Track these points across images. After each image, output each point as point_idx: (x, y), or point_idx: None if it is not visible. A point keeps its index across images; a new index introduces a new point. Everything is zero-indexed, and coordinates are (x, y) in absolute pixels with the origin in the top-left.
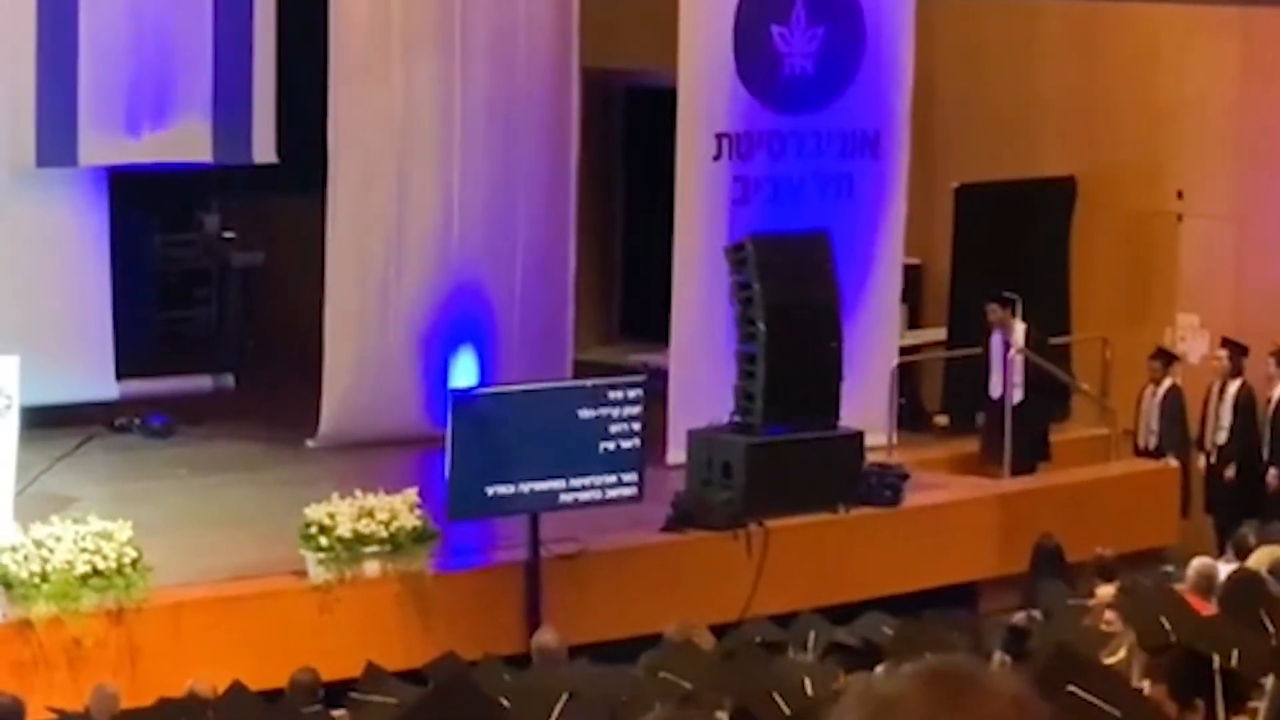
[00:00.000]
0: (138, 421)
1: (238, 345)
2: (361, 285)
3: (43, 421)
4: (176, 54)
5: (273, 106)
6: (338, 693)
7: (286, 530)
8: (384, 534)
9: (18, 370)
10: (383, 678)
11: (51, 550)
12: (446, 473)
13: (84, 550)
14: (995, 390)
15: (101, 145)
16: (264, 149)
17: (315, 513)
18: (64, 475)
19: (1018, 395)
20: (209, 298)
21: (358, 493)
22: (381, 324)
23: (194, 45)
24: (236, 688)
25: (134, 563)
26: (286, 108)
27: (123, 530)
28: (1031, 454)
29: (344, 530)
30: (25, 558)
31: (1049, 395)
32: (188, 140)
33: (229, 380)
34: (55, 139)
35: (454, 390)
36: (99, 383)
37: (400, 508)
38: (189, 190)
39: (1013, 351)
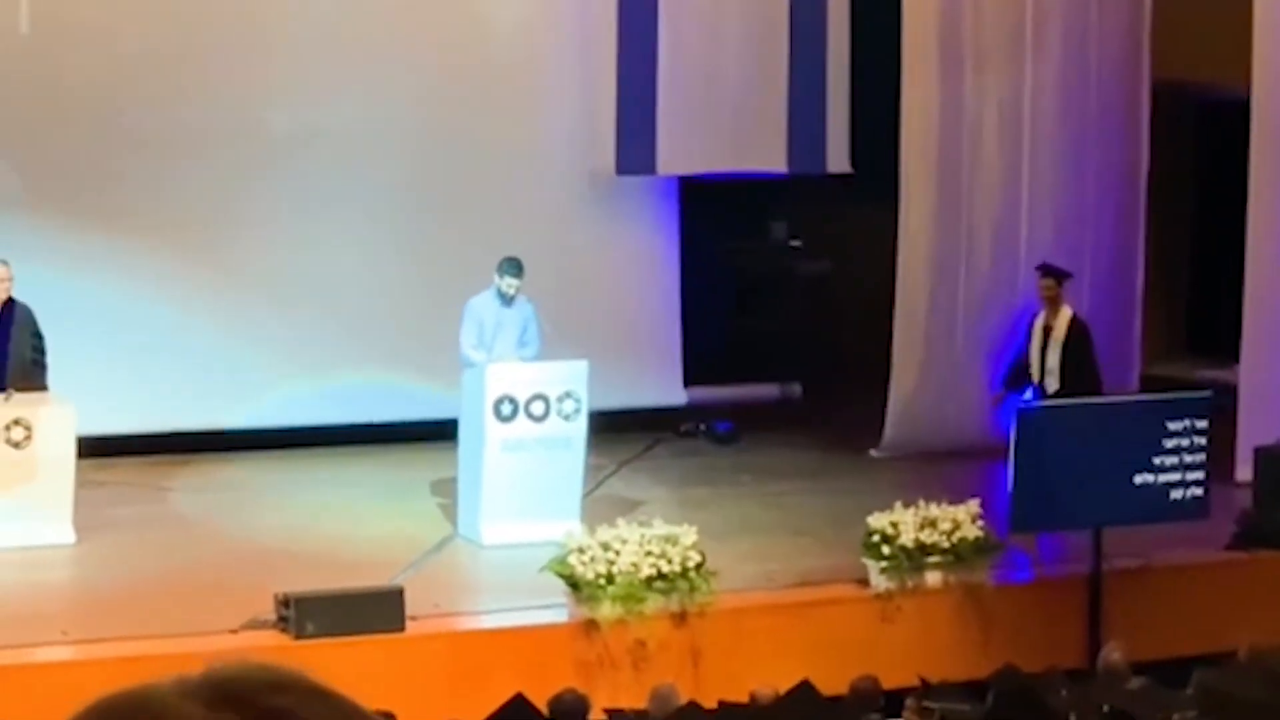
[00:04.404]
0: (703, 427)
1: (805, 354)
2: (932, 294)
3: (610, 426)
4: (753, 64)
5: (847, 115)
6: (896, 701)
7: (848, 538)
8: (946, 544)
9: (586, 374)
10: (943, 687)
11: (618, 553)
12: (1009, 485)
13: (649, 554)
14: (1035, 375)
15: (679, 154)
16: (838, 158)
17: (878, 521)
18: (630, 479)
19: (1052, 384)
20: (776, 306)
21: (921, 502)
22: (949, 333)
23: (770, 55)
24: (805, 686)
25: (698, 567)
26: (858, 115)
27: (687, 535)
28: None
29: (907, 539)
30: (592, 559)
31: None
32: (763, 150)
33: (796, 389)
34: (635, 148)
35: (1019, 402)
36: (667, 389)
37: (963, 518)
38: (757, 198)
39: (1051, 338)
